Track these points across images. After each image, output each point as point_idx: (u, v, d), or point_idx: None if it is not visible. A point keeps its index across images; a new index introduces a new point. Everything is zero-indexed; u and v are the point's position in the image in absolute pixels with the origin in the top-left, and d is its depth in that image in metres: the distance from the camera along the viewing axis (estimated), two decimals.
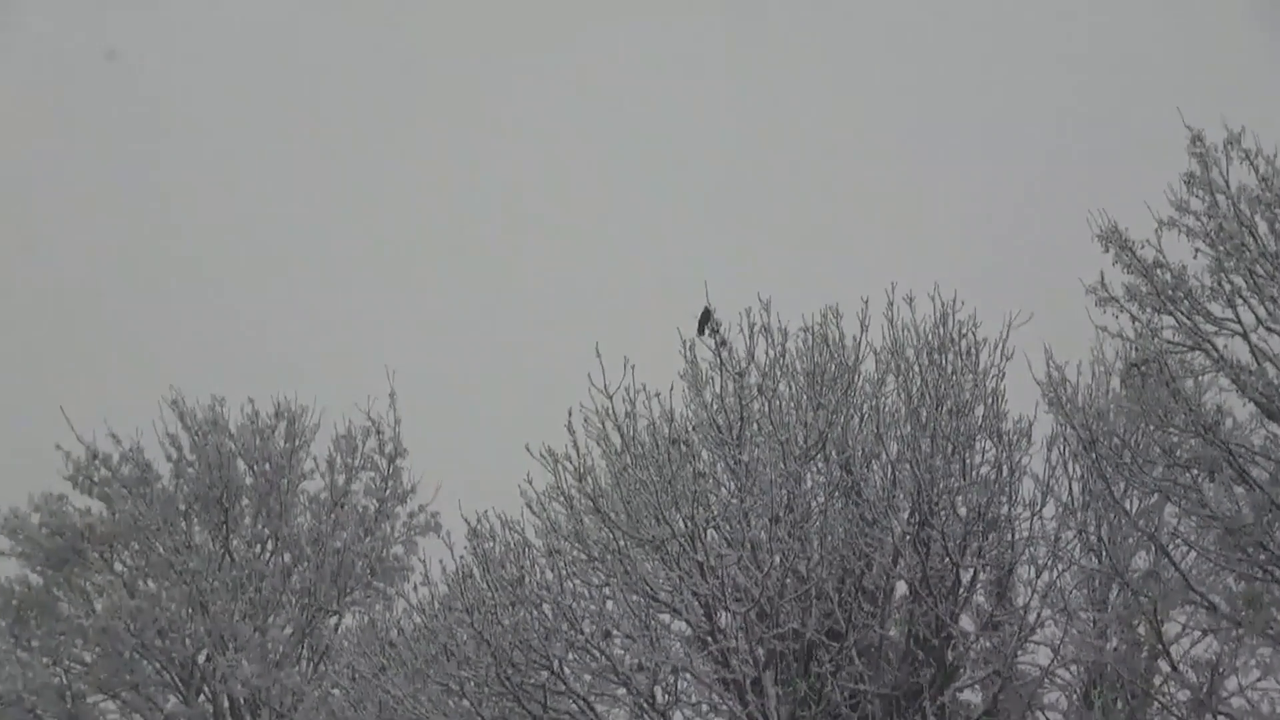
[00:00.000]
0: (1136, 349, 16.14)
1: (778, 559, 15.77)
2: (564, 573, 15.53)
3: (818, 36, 34.48)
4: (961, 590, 16.86)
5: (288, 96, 35.10)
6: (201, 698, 21.92)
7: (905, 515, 16.67)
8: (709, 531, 15.67)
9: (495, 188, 35.31)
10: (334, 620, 22.29)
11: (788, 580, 15.81)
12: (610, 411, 15.48)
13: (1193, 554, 16.61)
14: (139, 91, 32.95)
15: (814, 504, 16.40)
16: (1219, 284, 15.35)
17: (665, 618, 15.84)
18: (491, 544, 15.93)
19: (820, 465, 16.54)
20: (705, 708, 16.05)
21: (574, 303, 33.47)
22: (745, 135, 35.77)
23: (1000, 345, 16.82)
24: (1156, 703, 17.08)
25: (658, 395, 15.63)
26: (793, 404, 16.56)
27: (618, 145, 36.15)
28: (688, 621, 15.74)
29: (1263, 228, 15.20)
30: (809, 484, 16.47)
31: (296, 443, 22.83)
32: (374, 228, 35.60)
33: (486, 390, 31.95)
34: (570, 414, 15.26)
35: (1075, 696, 17.36)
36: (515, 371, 31.94)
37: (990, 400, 16.76)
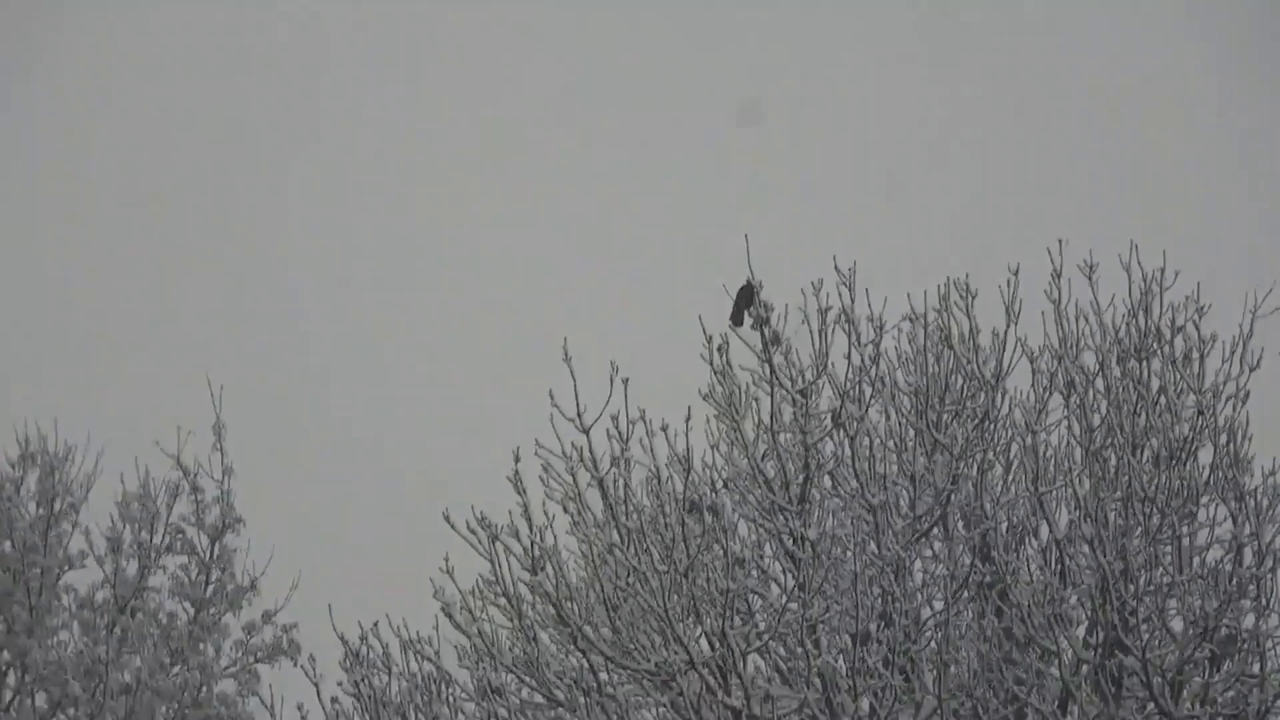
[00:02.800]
0: None
1: (867, 704, 15.75)
2: None
3: None
4: None
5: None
6: None
7: (1082, 630, 16.75)
8: (751, 657, 15.77)
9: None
10: None
11: None
12: (586, 456, 15.54)
13: None
14: None
15: (928, 611, 16.50)
16: None
17: None
18: (385, 678, 16.07)
19: (939, 546, 16.69)
20: None
21: (544, 284, 33.90)
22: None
23: (1240, 347, 16.94)
24: None
25: (665, 428, 15.76)
26: (893, 443, 16.80)
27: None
28: None
29: None
30: (920, 579, 16.67)
31: (57, 507, 22.81)
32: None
33: (377, 422, 32.11)
34: (517, 460, 15.30)
35: None
36: (431, 393, 32.16)
37: (1225, 439, 16.80)
